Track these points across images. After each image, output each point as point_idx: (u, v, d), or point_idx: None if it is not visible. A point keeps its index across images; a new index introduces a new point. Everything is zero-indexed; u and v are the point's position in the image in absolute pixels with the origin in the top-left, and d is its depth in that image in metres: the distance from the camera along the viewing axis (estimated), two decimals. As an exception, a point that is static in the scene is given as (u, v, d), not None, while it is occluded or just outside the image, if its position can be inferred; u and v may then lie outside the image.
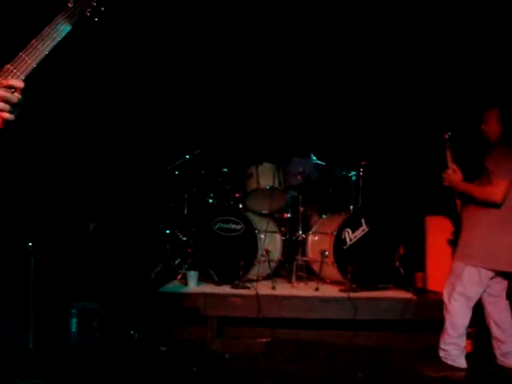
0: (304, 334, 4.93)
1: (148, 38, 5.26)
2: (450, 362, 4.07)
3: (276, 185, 5.51)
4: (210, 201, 5.80)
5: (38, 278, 4.50)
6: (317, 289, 5.09)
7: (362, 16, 5.75)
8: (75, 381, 4.10)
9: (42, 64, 1.80)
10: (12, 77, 1.75)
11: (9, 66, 1.77)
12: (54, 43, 1.82)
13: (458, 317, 4.05)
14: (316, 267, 5.49)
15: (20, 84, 1.76)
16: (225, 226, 5.36)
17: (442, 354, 4.10)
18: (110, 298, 4.92)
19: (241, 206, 5.61)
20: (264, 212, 5.64)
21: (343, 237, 5.23)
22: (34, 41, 1.80)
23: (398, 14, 5.71)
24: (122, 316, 4.85)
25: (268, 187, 5.48)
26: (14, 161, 1.88)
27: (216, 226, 5.37)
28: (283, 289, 5.16)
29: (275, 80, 6.30)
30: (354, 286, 5.06)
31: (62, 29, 1.83)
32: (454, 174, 4.20)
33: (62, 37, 1.83)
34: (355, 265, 5.08)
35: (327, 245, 5.26)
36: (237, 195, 5.63)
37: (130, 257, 5.70)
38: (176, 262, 5.75)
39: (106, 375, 4.19)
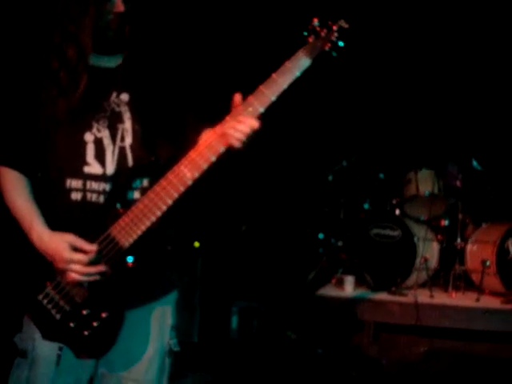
0: (463, 345, 4.78)
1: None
2: None
3: (436, 191, 5.40)
4: (366, 206, 5.81)
5: (203, 276, 4.76)
6: (477, 299, 4.94)
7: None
8: (237, 376, 4.29)
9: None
10: (252, 109, 1.83)
11: (251, 97, 1.84)
12: (293, 78, 1.83)
13: None
14: (475, 277, 5.31)
15: (255, 125, 1.83)
16: (381, 231, 5.34)
17: None
18: (269, 298, 5.08)
19: (397, 212, 5.56)
20: (422, 219, 5.55)
21: (506, 246, 5.03)
22: (274, 75, 1.84)
23: None
24: (280, 316, 4.99)
25: (427, 194, 5.40)
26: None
27: (372, 232, 5.37)
28: (441, 298, 5.05)
29: (434, 84, 6.18)
30: (516, 297, 4.86)
31: (302, 64, 1.83)
32: None
33: (301, 72, 1.84)
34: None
35: (489, 254, 5.07)
36: (394, 201, 5.59)
37: (284, 259, 5.85)
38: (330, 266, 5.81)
39: (266, 372, 4.34)
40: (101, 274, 1.85)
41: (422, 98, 6.23)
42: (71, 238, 1.84)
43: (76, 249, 1.83)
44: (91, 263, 1.83)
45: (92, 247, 1.84)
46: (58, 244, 1.83)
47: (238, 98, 1.86)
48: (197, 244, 4.80)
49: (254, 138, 1.86)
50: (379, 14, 5.47)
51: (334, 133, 6.39)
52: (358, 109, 6.34)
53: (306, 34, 1.86)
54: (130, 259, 1.84)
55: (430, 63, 6.10)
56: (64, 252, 1.82)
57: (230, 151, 1.87)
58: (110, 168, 1.93)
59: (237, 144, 1.84)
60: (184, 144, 1.94)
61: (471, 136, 5.95)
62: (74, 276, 1.83)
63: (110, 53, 1.96)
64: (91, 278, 1.85)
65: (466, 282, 5.36)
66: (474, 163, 5.63)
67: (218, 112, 1.97)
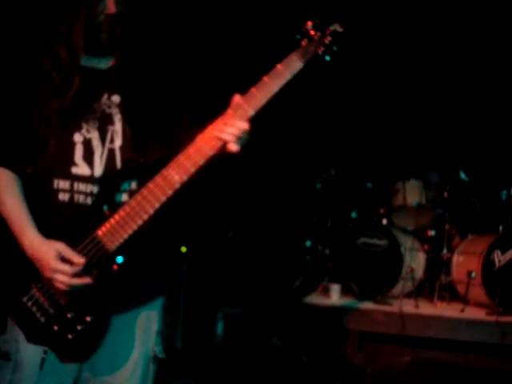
0: (447, 356, 4.80)
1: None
2: None
3: (423, 202, 5.43)
4: (354, 215, 5.82)
5: (189, 282, 4.73)
6: (462, 310, 4.96)
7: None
8: (221, 383, 4.28)
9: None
10: (242, 112, 1.81)
11: (240, 99, 1.82)
12: (284, 81, 1.81)
13: None
14: (460, 288, 5.33)
15: (244, 126, 1.81)
16: (368, 240, 5.36)
17: None
18: (255, 305, 5.07)
19: (385, 221, 5.58)
20: (409, 229, 5.57)
21: (492, 258, 5.06)
22: (265, 78, 1.81)
23: None
24: (266, 323, 4.98)
25: (415, 204, 5.42)
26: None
27: (359, 241, 5.39)
28: (426, 308, 5.06)
29: (424, 96, 6.22)
30: (500, 309, 4.87)
31: (294, 67, 1.81)
32: None
33: (293, 75, 1.81)
34: (505, 288, 4.89)
35: (474, 266, 5.09)
36: (381, 211, 5.61)
37: (270, 266, 5.84)
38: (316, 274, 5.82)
39: (251, 380, 4.33)
40: (86, 285, 1.84)
41: (411, 109, 6.27)
42: (61, 247, 1.82)
43: (64, 259, 1.81)
44: (77, 275, 1.82)
45: (80, 260, 1.81)
46: (46, 251, 1.81)
47: (236, 98, 1.85)
48: (183, 249, 4.78)
49: (248, 140, 1.84)
50: (363, 26, 5.51)
51: (323, 141, 6.40)
52: (348, 117, 6.37)
53: (299, 36, 1.85)
54: (119, 260, 1.82)
55: (419, 75, 6.14)
56: (51, 260, 1.80)
57: (224, 155, 1.85)
58: (98, 169, 1.91)
59: (230, 146, 1.82)
60: (177, 146, 1.92)
61: (459, 147, 5.99)
62: (59, 286, 1.82)
63: (101, 54, 1.95)
64: (76, 289, 1.83)
65: (451, 293, 5.39)
66: (462, 175, 5.67)
67: (212, 114, 1.96)
